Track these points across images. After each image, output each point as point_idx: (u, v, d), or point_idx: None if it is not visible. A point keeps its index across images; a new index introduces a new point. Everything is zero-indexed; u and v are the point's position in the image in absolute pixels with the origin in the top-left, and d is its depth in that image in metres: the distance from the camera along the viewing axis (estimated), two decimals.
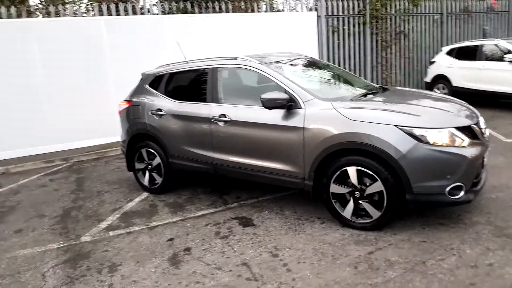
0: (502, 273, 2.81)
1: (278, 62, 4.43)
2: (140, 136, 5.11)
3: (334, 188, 3.71)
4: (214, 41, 8.49)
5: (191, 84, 4.76)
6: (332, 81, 4.55)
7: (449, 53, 9.90)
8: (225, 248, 3.60)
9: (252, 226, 4.00)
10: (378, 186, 3.46)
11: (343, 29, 10.10)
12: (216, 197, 4.87)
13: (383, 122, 3.41)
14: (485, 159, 3.61)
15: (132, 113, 5.15)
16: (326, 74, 4.70)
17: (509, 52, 8.43)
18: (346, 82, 4.64)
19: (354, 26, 10.23)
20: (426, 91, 4.63)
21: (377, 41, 10.50)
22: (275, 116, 3.92)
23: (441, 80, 9.96)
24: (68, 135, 7.70)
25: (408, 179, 3.33)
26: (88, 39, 7.72)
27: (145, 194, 5.21)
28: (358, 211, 3.65)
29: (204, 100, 4.50)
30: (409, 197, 3.38)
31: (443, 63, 9.89)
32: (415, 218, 3.79)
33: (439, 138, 3.32)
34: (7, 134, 7.35)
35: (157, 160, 4.99)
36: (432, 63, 10.33)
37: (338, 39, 10.09)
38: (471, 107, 4.07)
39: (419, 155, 3.29)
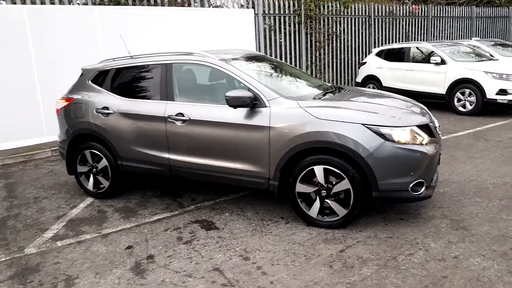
0: (468, 265, 2.99)
1: (235, 59, 4.31)
2: (83, 137, 4.68)
3: (300, 188, 3.69)
4: (149, 36, 8.08)
5: (142, 80, 4.45)
6: (291, 79, 4.53)
7: (379, 54, 10.46)
8: (191, 253, 3.41)
9: (215, 229, 3.85)
10: (345, 184, 3.51)
11: (280, 28, 10.19)
12: (170, 200, 4.62)
13: (351, 120, 3.46)
14: (440, 156, 3.82)
15: (73, 112, 4.69)
16: (283, 72, 4.68)
17: (434, 54, 9.11)
18: (304, 80, 4.65)
19: (290, 25, 10.39)
20: (379, 90, 4.79)
21: (311, 41, 10.77)
22: (238, 115, 3.80)
23: (371, 80, 10.50)
24: None
25: (375, 177, 3.41)
26: (9, 29, 6.91)
27: (89, 199, 4.79)
28: (324, 210, 3.67)
29: (157, 97, 4.24)
30: (375, 194, 3.46)
31: (373, 64, 10.43)
32: (376, 214, 3.91)
33: (403, 136, 3.44)
34: None
35: (104, 162, 4.60)
36: (362, 64, 10.85)
37: (275, 38, 10.17)
38: (422, 106, 4.29)
39: (385, 153, 3.39)
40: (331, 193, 3.59)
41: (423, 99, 9.52)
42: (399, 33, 12.75)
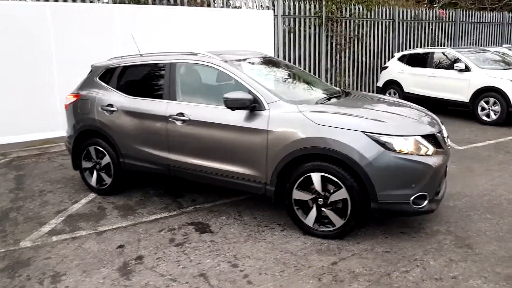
0: (467, 286, 2.80)
1: (240, 60, 4.23)
2: (88, 133, 4.70)
3: (297, 195, 3.57)
4: (168, 35, 8.10)
5: (147, 79, 4.44)
6: (296, 82, 4.42)
7: (401, 59, 10.17)
8: (180, 256, 3.35)
9: (209, 232, 3.77)
10: (342, 194, 3.37)
11: (299, 30, 10.05)
12: (170, 200, 4.58)
13: (350, 127, 3.32)
14: (447, 168, 3.62)
15: (80, 108, 4.73)
16: (289, 75, 4.56)
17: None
18: (309, 84, 4.53)
19: (310, 27, 10.23)
20: (388, 97, 4.62)
21: (332, 44, 10.58)
22: (237, 117, 3.72)
23: (392, 85, 10.21)
24: (6, 128, 6.98)
25: (374, 187, 3.26)
26: (31, 26, 7.06)
27: (92, 195, 4.81)
28: (321, 219, 3.54)
29: (160, 96, 4.21)
30: (374, 205, 3.31)
31: (395, 69, 10.14)
32: (376, 226, 3.74)
33: (405, 146, 3.27)
34: None
35: (107, 159, 4.61)
36: (384, 68, 10.58)
37: (294, 40, 10.03)
38: (433, 115, 4.10)
39: (385, 162, 3.23)
40: (328, 202, 3.46)
41: (445, 107, 9.24)
42: (424, 38, 12.38)
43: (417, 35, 12.24)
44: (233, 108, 3.61)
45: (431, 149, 3.39)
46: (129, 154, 4.42)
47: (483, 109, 8.27)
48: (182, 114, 3.99)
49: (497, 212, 4.00)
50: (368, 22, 11.22)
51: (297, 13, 10.06)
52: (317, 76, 10.55)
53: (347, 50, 10.89)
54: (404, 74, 9.91)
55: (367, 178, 3.25)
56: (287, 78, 4.46)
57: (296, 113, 3.52)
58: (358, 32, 11.05)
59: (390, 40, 11.73)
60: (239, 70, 3.88)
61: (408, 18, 11.97)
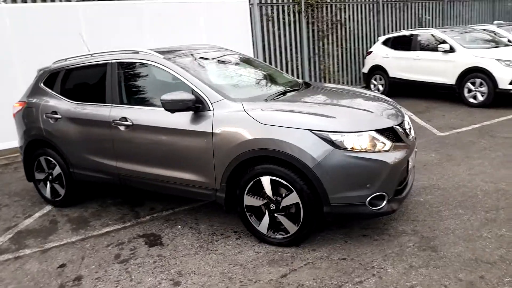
0: None
1: (188, 56, 3.93)
2: (37, 143, 4.44)
3: (248, 200, 3.30)
4: (136, 32, 7.79)
5: (89, 81, 4.15)
6: (250, 78, 4.10)
7: (385, 43, 9.81)
8: (122, 275, 3.10)
9: (159, 245, 3.52)
10: (293, 198, 3.09)
11: (278, 18, 9.69)
12: (128, 210, 4.33)
13: (296, 126, 3.03)
14: (410, 163, 3.32)
15: (26, 116, 4.46)
16: (244, 70, 4.25)
17: (443, 41, 8.40)
18: (266, 79, 4.23)
19: (289, 15, 9.85)
20: (352, 87, 4.31)
21: (313, 30, 10.20)
22: (182, 120, 3.43)
23: (378, 71, 9.87)
24: None
25: (325, 190, 2.98)
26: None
27: (48, 208, 4.57)
28: (275, 225, 3.27)
29: (103, 100, 3.92)
30: (326, 209, 3.03)
31: (379, 53, 9.79)
32: (337, 229, 3.47)
33: (358, 143, 2.98)
34: None
35: (58, 169, 4.35)
36: (369, 53, 10.22)
37: (273, 29, 9.67)
38: (396, 105, 3.80)
39: (336, 162, 2.94)
40: (281, 207, 3.18)
41: (432, 91, 8.90)
42: (411, 19, 11.96)
43: (403, 16, 11.82)
44: (172, 111, 3.32)
45: (388, 144, 3.09)
46: (78, 164, 4.16)
47: (469, 91, 7.92)
48: (125, 119, 3.71)
49: (470, 206, 3.71)
50: (351, 5, 10.81)
51: (274, 1, 9.69)
52: (300, 65, 10.21)
53: (330, 37, 10.51)
54: (389, 58, 9.56)
55: (317, 180, 2.97)
56: (240, 74, 4.15)
57: (241, 113, 3.23)
58: (341, 17, 10.66)
59: (375, 23, 11.33)
60: (182, 68, 3.58)
61: (393, 0, 11.55)
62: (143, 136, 3.65)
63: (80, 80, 4.21)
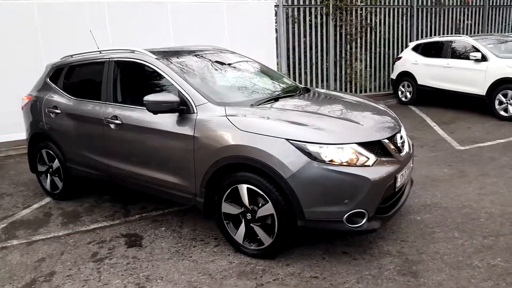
0: None
1: (183, 57, 3.89)
2: (39, 136, 4.55)
3: (226, 208, 3.21)
4: (160, 30, 7.87)
5: (87, 78, 4.21)
6: (244, 81, 3.99)
7: (415, 49, 9.40)
8: (92, 275, 3.09)
9: (138, 246, 3.49)
10: (269, 209, 2.97)
11: (304, 20, 9.49)
12: (120, 207, 4.35)
13: (274, 134, 2.90)
14: (399, 179, 3.10)
15: (31, 110, 4.59)
16: (241, 74, 4.15)
17: (475, 50, 7.94)
18: (262, 83, 4.10)
19: (316, 17, 9.63)
20: (353, 96, 4.11)
21: (341, 34, 9.92)
22: (167, 121, 3.39)
23: (406, 77, 9.48)
24: (4, 127, 6.96)
25: (299, 203, 2.83)
26: (20, 24, 7.05)
27: (47, 200, 4.67)
28: (251, 235, 3.15)
29: (98, 97, 3.95)
30: (300, 223, 2.89)
31: (409, 60, 9.40)
32: (318, 244, 3.31)
33: (337, 155, 2.82)
34: None
35: (57, 163, 4.44)
36: (398, 59, 9.84)
37: (299, 31, 9.49)
38: (392, 115, 3.58)
39: (312, 175, 2.79)
40: (256, 217, 3.07)
41: (461, 101, 8.42)
42: (447, 25, 11.39)
43: (439, 22, 11.28)
44: (155, 112, 3.28)
45: (372, 158, 2.90)
46: (74, 159, 4.22)
47: (500, 103, 7.43)
48: (116, 117, 3.72)
49: (469, 229, 3.44)
50: (382, 9, 10.43)
51: (301, 2, 9.50)
52: (324, 68, 9.97)
53: (358, 40, 10.19)
54: (418, 65, 9.15)
55: (291, 192, 2.83)
56: (236, 77, 4.05)
57: (221, 117, 3.14)
58: (371, 21, 10.31)
59: (408, 28, 10.87)
60: (171, 69, 3.53)
61: (428, 4, 11.03)
62: (131, 136, 3.64)
63: (81, 77, 4.28)
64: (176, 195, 3.51)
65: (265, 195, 2.95)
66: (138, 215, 4.14)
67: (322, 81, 9.97)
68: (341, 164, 2.81)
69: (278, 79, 4.37)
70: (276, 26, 8.96)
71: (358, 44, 10.19)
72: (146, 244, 3.53)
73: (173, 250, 3.39)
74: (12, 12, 6.79)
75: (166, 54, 3.84)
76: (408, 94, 9.52)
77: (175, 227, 3.80)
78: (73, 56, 4.47)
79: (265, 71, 4.43)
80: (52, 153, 4.45)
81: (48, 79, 4.55)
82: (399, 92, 9.73)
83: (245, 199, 3.08)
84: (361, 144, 2.90)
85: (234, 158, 3.03)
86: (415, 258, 3.04)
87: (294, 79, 9.83)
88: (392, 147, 3.10)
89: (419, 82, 9.10)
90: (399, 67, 9.70)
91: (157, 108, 3.24)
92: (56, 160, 4.42)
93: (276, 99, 3.62)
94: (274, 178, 2.88)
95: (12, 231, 3.94)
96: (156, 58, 3.65)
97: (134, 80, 3.89)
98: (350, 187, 2.81)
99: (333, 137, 2.88)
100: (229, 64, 4.19)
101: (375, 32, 10.38)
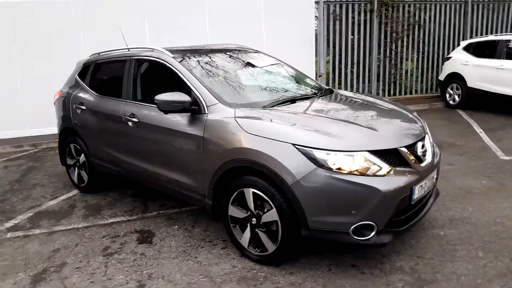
0: None
1: (202, 56, 3.85)
2: (68, 130, 4.73)
3: (232, 211, 3.14)
4: (198, 26, 7.97)
5: (110, 76, 4.31)
6: (262, 82, 3.88)
7: (467, 48, 8.82)
8: (100, 268, 3.15)
9: (148, 243, 3.52)
10: (273, 215, 2.87)
11: (346, 17, 9.18)
12: (140, 203, 4.42)
13: (280, 138, 2.79)
14: (417, 191, 2.88)
15: (61, 105, 4.77)
16: (261, 74, 4.04)
17: None
18: (283, 83, 3.98)
19: (359, 14, 9.29)
20: (374, 98, 3.89)
21: (386, 31, 9.51)
22: (180, 121, 3.38)
23: (455, 79, 8.92)
24: (44, 120, 7.38)
25: (303, 211, 2.71)
26: (62, 22, 7.42)
27: (74, 192, 4.86)
28: (256, 241, 3.07)
29: (120, 95, 4.02)
30: (304, 232, 2.76)
31: (459, 60, 8.83)
32: (327, 254, 3.16)
33: (346, 163, 2.66)
34: None
35: (83, 157, 4.59)
36: (447, 59, 9.27)
37: (340, 29, 9.20)
38: (417, 122, 3.34)
39: (317, 183, 2.65)
40: (261, 223, 2.98)
41: None
42: (505, 23, 10.57)
43: (496, 19, 10.50)
44: (166, 111, 3.27)
45: (385, 168, 2.72)
46: (97, 155, 4.34)
47: None
48: (133, 115, 3.77)
49: (495, 250, 3.14)
50: (433, 5, 9.87)
51: None
52: (367, 68, 9.62)
53: (405, 39, 9.72)
54: (469, 65, 8.57)
55: (295, 199, 2.71)
56: (254, 77, 3.95)
57: (230, 119, 3.07)
58: (420, 18, 9.80)
59: (461, 26, 10.22)
60: (186, 68, 3.50)
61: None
62: (147, 134, 3.67)
63: (105, 74, 4.38)
64: (186, 195, 3.49)
65: (269, 201, 2.85)
66: (155, 211, 4.18)
67: (364, 81, 9.63)
68: (350, 173, 2.65)
69: (300, 80, 4.22)
70: (316, 23, 8.75)
71: (405, 43, 9.74)
72: (156, 241, 3.55)
73: (181, 249, 3.38)
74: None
75: (185, 53, 3.83)
76: (456, 97, 8.96)
77: (187, 226, 3.79)
78: (101, 54, 4.59)
79: (288, 72, 4.30)
80: (79, 147, 4.60)
81: (77, 76, 4.71)
82: (447, 95, 9.18)
83: (251, 203, 3.00)
84: (373, 152, 2.73)
85: (240, 161, 2.96)
86: (428, 277, 2.82)
87: (334, 79, 9.58)
88: (411, 156, 2.88)
89: (468, 85, 8.53)
90: (448, 68, 9.14)
91: (167, 108, 3.23)
92: (82, 154, 4.56)
93: (293, 101, 3.50)
94: (278, 184, 2.77)
95: (36, 220, 4.12)
96: (172, 57, 3.64)
97: (152, 78, 3.92)
98: (358, 198, 2.65)
99: (343, 143, 2.72)
100: (249, 64, 4.11)
101: (424, 30, 9.84)
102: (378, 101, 3.74)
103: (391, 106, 3.60)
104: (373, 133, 2.90)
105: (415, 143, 2.97)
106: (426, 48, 10.00)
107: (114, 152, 4.10)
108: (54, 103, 4.97)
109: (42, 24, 7.37)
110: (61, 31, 7.43)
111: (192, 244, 3.46)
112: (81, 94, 4.48)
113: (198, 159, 3.26)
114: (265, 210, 2.93)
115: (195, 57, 3.79)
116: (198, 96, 3.30)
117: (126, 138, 3.89)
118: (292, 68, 4.44)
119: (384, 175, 2.71)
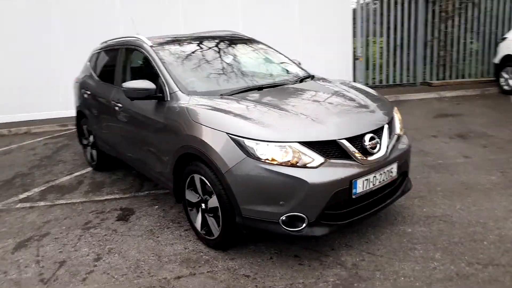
0: None
1: (184, 44, 3.97)
2: (80, 114, 5.15)
3: (188, 195, 3.28)
4: (228, 17, 8.09)
5: (108, 63, 4.58)
6: (238, 70, 3.84)
7: None
8: (73, 240, 3.47)
9: (124, 220, 3.79)
10: (215, 201, 2.95)
11: None
12: (138, 182, 4.72)
13: (217, 127, 2.84)
14: (359, 185, 2.76)
15: (76, 90, 5.20)
16: (241, 61, 4.00)
17: None
18: (259, 71, 3.94)
19: None
20: (348, 87, 3.70)
21: (433, 11, 8.81)
22: (149, 108, 3.55)
23: (510, 62, 8.05)
24: None
25: (235, 199, 2.76)
26: (104, 7, 7.97)
27: (88, 169, 5.31)
28: (206, 225, 3.18)
29: (112, 81, 4.30)
30: (238, 220, 2.82)
31: None
32: (279, 243, 3.16)
33: (275, 153, 2.65)
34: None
35: (92, 138, 4.99)
36: (502, 40, 8.38)
37: (381, 9, 8.71)
38: (377, 113, 3.15)
39: (247, 172, 2.68)
40: (208, 208, 3.08)
41: None
42: None
43: None
44: (132, 98, 3.46)
45: (318, 160, 2.66)
46: (99, 136, 4.70)
47: None
48: (119, 101, 4.02)
49: (457, 252, 2.91)
50: None
51: None
52: (412, 51, 9.02)
53: (456, 18, 8.94)
54: None
55: (228, 187, 2.77)
56: (231, 65, 3.91)
57: (182, 107, 3.18)
58: None
59: None
60: (159, 57, 3.64)
61: None
62: (127, 119, 3.91)
63: (105, 62, 4.68)
64: (158, 178, 3.69)
65: (211, 187, 2.93)
66: (147, 191, 4.44)
67: (408, 66, 9.07)
68: (279, 163, 2.64)
69: (282, 67, 4.16)
70: (353, 2, 8.40)
71: (456, 23, 8.95)
72: (132, 219, 3.80)
73: (149, 228, 3.60)
74: None
75: (167, 42, 3.95)
76: (511, 82, 8.11)
77: (166, 207, 4.00)
78: (106, 42, 4.89)
79: (272, 59, 4.25)
80: (89, 129, 5.00)
81: (88, 63, 5.08)
82: (501, 79, 8.34)
83: (199, 188, 3.10)
84: (306, 143, 2.67)
85: (188, 148, 3.06)
86: (365, 275, 2.72)
87: (374, 63, 9.14)
88: (353, 149, 2.77)
89: None
90: (503, 50, 8.28)
91: (133, 95, 3.41)
92: (91, 136, 4.96)
93: (260, 88, 3.50)
94: (215, 171, 2.84)
95: (46, 194, 4.59)
96: (150, 46, 3.80)
97: (136, 66, 4.12)
98: (285, 189, 2.63)
99: (273, 133, 2.70)
100: (232, 52, 4.12)
101: (479, 9, 8.96)
102: (348, 90, 3.55)
103: (361, 96, 3.42)
104: (310, 124, 2.82)
105: (361, 135, 2.84)
106: (481, 28, 9.10)
107: (109, 135, 4.42)
108: (73, 87, 5.42)
109: None
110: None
111: (161, 224, 3.65)
112: (88, 80, 4.86)
113: (161, 144, 3.42)
114: (211, 196, 3.02)
115: (176, 46, 3.91)
116: (163, 84, 3.44)
117: (115, 121, 4.17)
118: (282, 55, 4.38)
119: (316, 167, 2.65)
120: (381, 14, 8.78)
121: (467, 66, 9.26)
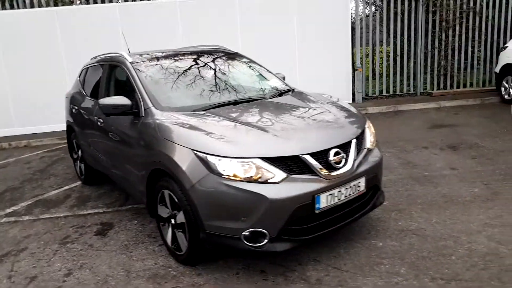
0: None
1: (164, 60, 4.01)
2: (69, 128, 5.25)
3: (160, 210, 3.29)
4: (227, 28, 8.16)
5: (93, 79, 4.66)
6: (215, 86, 3.85)
7: None
8: (47, 256, 3.50)
9: (102, 235, 3.81)
10: (181, 217, 2.96)
11: (388, 6, 8.64)
12: (124, 196, 4.76)
13: (182, 143, 2.86)
14: (322, 200, 2.74)
15: (66, 105, 5.30)
16: (220, 77, 4.00)
17: None
18: (238, 86, 3.93)
19: (403, 3, 8.67)
20: (322, 101, 3.70)
21: (433, 20, 8.75)
22: (126, 123, 3.60)
23: (510, 72, 7.93)
24: None
25: (199, 215, 2.77)
26: (105, 24, 8.14)
27: (77, 183, 5.38)
28: (176, 240, 3.18)
29: (97, 97, 4.37)
30: (202, 235, 2.82)
31: None
32: (247, 258, 3.15)
33: (237, 169, 2.65)
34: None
35: (80, 152, 5.07)
36: (503, 48, 8.27)
37: (381, 18, 8.69)
38: (346, 128, 3.13)
39: (209, 188, 2.69)
40: (176, 223, 3.09)
41: None
42: None
43: None
44: (107, 114, 3.52)
45: (279, 175, 2.66)
46: (85, 150, 4.76)
47: None
48: (100, 116, 4.08)
49: (423, 267, 2.86)
50: None
51: None
52: (412, 61, 8.96)
53: (457, 27, 8.86)
54: None
55: (192, 203, 2.78)
56: (210, 80, 3.90)
57: (154, 123, 3.21)
58: (475, 4, 8.85)
59: None
60: (136, 73, 3.68)
61: None
62: (107, 134, 3.96)
63: (91, 78, 4.76)
64: (135, 193, 3.72)
65: (179, 203, 2.95)
66: (131, 205, 4.48)
67: (408, 75, 9.01)
68: (240, 179, 2.64)
69: (262, 82, 4.17)
70: (353, 12, 8.41)
71: (457, 32, 8.87)
72: (110, 234, 3.83)
73: (124, 243, 3.62)
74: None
75: (148, 58, 4.01)
76: (511, 91, 7.98)
77: (145, 222, 4.02)
78: (96, 57, 4.98)
79: (252, 75, 4.27)
80: (77, 142, 5.08)
81: (78, 78, 5.18)
82: (502, 89, 8.22)
83: (169, 204, 3.12)
84: (268, 159, 2.67)
85: (156, 164, 3.09)
86: None
87: (373, 72, 9.11)
88: (317, 164, 2.76)
89: None
90: (503, 59, 8.17)
91: (108, 111, 3.46)
92: (80, 150, 5.03)
93: (235, 103, 3.52)
94: (181, 187, 2.85)
95: (32, 208, 4.66)
96: (130, 62, 3.86)
97: (116, 82, 4.18)
98: (246, 204, 2.63)
99: (235, 149, 2.71)
100: (213, 66, 4.15)
101: (480, 17, 8.87)
102: (322, 105, 3.54)
103: (334, 110, 3.41)
104: (271, 139, 2.82)
105: (326, 150, 2.83)
106: (482, 37, 9.00)
107: (94, 150, 4.48)
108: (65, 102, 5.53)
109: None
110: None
111: (137, 239, 3.67)
112: (76, 95, 4.95)
113: (135, 159, 3.45)
114: (179, 212, 3.03)
115: (157, 61, 3.96)
116: (139, 100, 3.48)
117: (98, 137, 4.23)
118: (265, 69, 4.41)
119: (277, 183, 2.64)
120: (381, 24, 8.76)
121: (468, 76, 9.15)
